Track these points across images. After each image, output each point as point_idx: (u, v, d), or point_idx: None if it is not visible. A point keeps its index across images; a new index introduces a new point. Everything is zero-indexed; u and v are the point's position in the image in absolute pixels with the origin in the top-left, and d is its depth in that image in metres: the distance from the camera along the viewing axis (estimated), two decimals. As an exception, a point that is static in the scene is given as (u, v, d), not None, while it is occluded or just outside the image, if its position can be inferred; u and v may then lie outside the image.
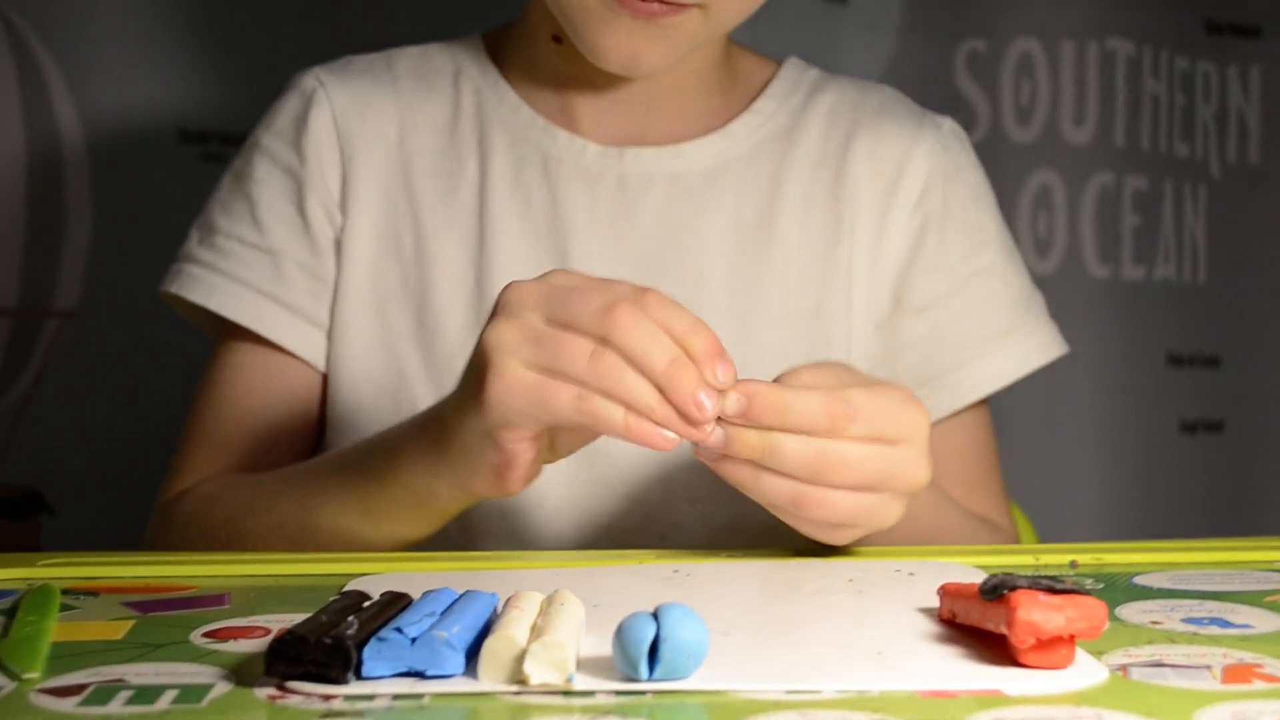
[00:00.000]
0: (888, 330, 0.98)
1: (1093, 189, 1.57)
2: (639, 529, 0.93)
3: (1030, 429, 1.54)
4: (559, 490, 0.92)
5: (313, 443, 0.99)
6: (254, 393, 0.97)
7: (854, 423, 0.70)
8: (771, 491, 0.71)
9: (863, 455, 0.70)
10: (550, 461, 0.76)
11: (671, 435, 0.69)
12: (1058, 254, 1.57)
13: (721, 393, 0.69)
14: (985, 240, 1.00)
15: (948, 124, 1.01)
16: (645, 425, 0.69)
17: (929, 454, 0.73)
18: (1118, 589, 0.70)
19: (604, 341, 0.68)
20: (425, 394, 0.94)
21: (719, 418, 0.70)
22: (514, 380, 0.69)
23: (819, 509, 0.71)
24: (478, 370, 0.71)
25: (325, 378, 0.97)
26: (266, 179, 0.98)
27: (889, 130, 0.99)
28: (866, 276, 0.97)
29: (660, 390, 0.68)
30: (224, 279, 0.97)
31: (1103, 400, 1.58)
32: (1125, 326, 1.58)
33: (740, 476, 0.71)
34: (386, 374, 0.95)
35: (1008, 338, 0.99)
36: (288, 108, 1.00)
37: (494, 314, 0.71)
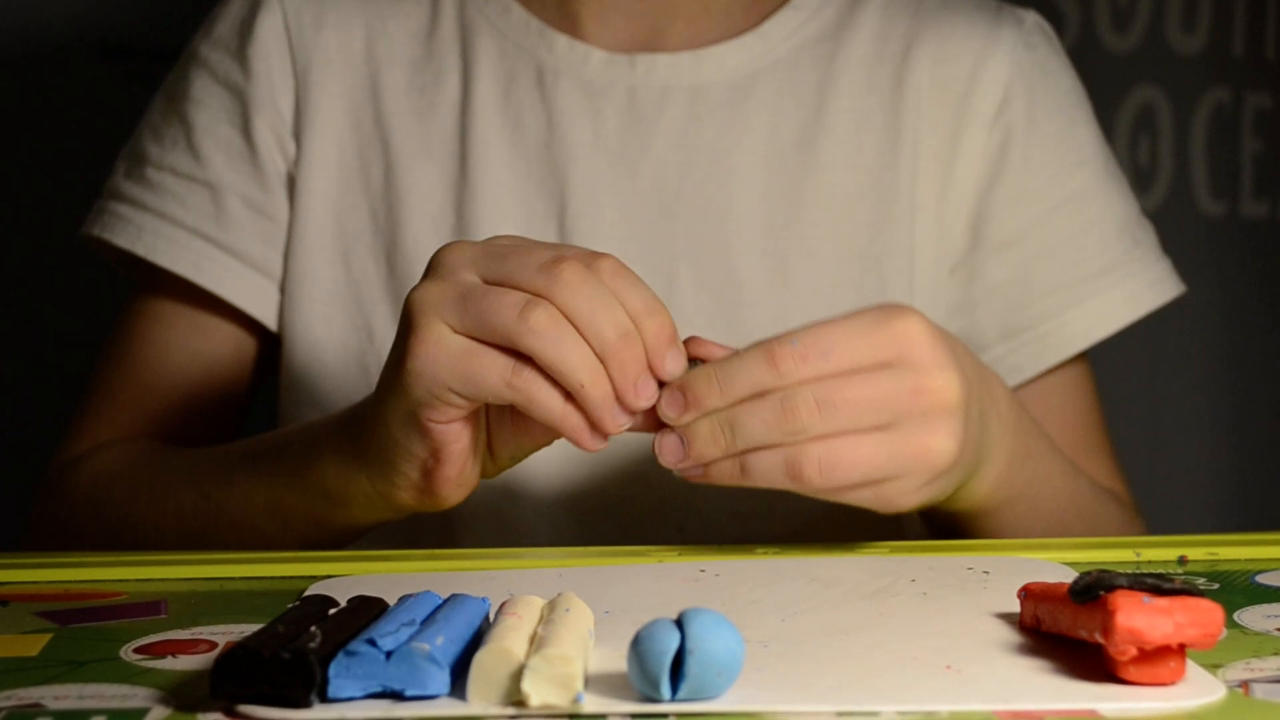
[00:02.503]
0: (965, 273, 0.98)
1: (1205, 109, 1.57)
2: (652, 517, 0.93)
3: (1127, 397, 1.54)
4: (554, 471, 0.92)
5: (239, 415, 1.00)
6: (173, 350, 0.98)
7: (808, 360, 0.70)
8: (766, 471, 0.71)
9: (841, 387, 0.70)
10: (490, 475, 0.77)
11: (601, 441, 0.70)
12: (1162, 187, 1.57)
13: (666, 385, 0.71)
14: (1081, 159, 1.00)
15: (1031, 18, 1.01)
16: (577, 419, 0.70)
17: (942, 359, 0.72)
18: (1236, 590, 0.70)
19: (544, 298, 0.69)
20: (397, 354, 0.94)
21: (668, 425, 0.71)
22: (438, 346, 0.70)
23: (829, 469, 0.71)
24: (401, 338, 0.72)
25: (276, 337, 0.98)
26: (204, 98, 0.98)
27: (958, 28, 0.99)
28: (934, 208, 0.97)
29: (603, 364, 0.69)
30: (154, 218, 0.97)
31: (1216, 362, 1.58)
32: (1244, 274, 1.58)
33: (730, 473, 0.72)
34: (352, 332, 0.96)
35: (1111, 275, 0.98)
36: (230, 12, 1.00)
37: (425, 275, 0.73)
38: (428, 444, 0.73)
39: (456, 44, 0.98)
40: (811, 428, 0.70)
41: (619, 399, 0.70)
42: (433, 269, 0.72)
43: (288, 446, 0.84)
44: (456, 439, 0.73)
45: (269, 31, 0.98)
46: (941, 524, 0.88)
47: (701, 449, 0.71)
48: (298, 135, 0.97)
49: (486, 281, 0.71)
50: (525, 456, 0.76)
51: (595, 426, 0.70)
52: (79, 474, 0.95)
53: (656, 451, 0.72)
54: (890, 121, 0.97)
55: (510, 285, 0.70)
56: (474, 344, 0.70)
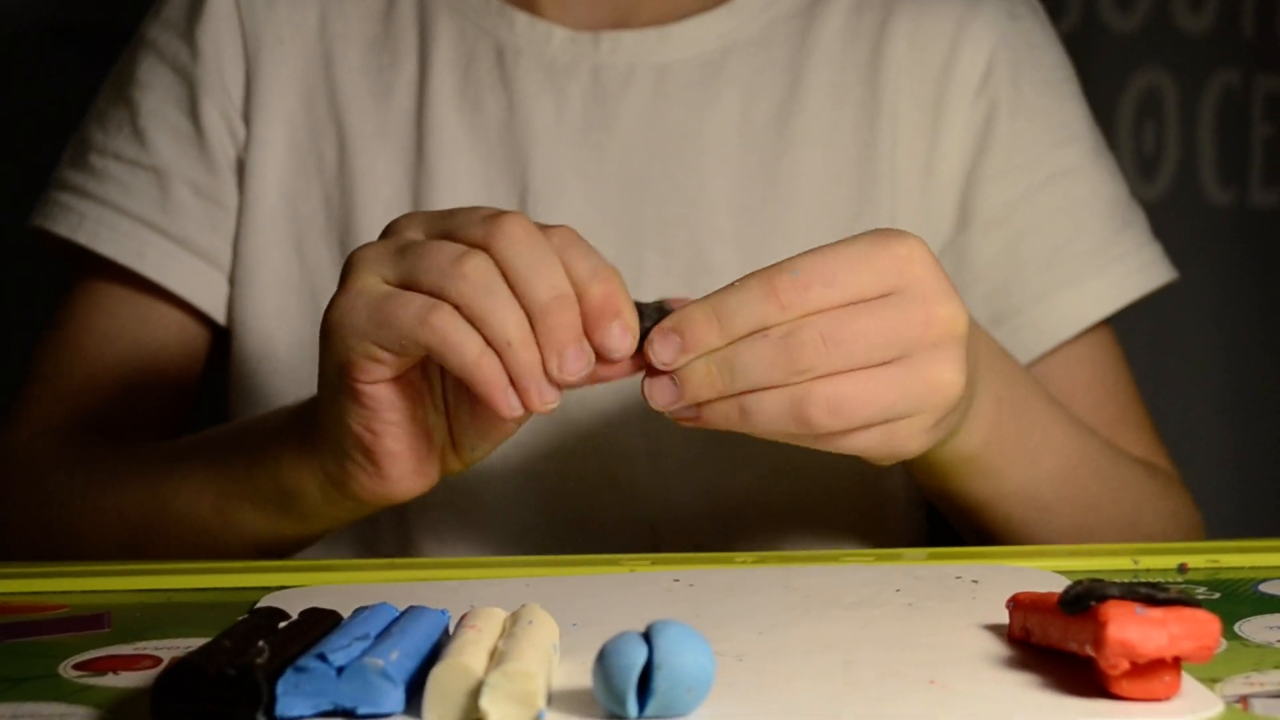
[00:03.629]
0: (954, 254, 0.98)
1: (1213, 92, 1.57)
2: (624, 516, 0.93)
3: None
4: (515, 466, 0.92)
5: (184, 410, 1.00)
6: (115, 340, 0.97)
7: (810, 290, 0.68)
8: (769, 414, 0.69)
9: (849, 320, 0.68)
10: (454, 470, 0.75)
11: (516, 405, 0.68)
12: (1167, 174, 1.57)
13: (615, 364, 0.69)
14: (1069, 135, 1.00)
15: None
16: (494, 371, 0.67)
17: (945, 285, 0.70)
18: (1239, 599, 0.70)
19: (481, 249, 0.68)
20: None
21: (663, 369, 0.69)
22: (361, 293, 0.69)
23: (838, 409, 0.69)
24: (335, 294, 0.71)
25: (228, 331, 0.98)
26: (151, 80, 0.98)
27: None
28: (917, 187, 0.97)
29: (531, 325, 0.67)
30: (96, 205, 0.97)
31: (1221, 358, 1.58)
32: (1252, 265, 1.58)
33: (729, 416, 0.69)
34: (305, 323, 0.96)
35: (1103, 256, 0.98)
36: (178, -9, 1.00)
37: (379, 238, 0.72)
38: (360, 412, 0.71)
39: (414, 23, 0.98)
40: (818, 366, 0.68)
41: (545, 368, 0.67)
42: (384, 234, 0.72)
43: (238, 441, 0.83)
44: (391, 407, 0.71)
45: (218, 11, 0.98)
46: (948, 499, 0.86)
47: (697, 390, 0.68)
48: (248, 118, 0.97)
49: (430, 238, 0.70)
50: (491, 448, 0.75)
51: (519, 393, 0.68)
52: (12, 467, 0.95)
53: (646, 394, 0.69)
54: (868, 97, 0.97)
55: (452, 239, 0.69)
56: (394, 290, 0.69)
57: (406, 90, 0.97)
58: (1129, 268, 0.99)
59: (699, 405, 0.69)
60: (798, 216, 0.96)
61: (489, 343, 0.67)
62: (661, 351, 0.68)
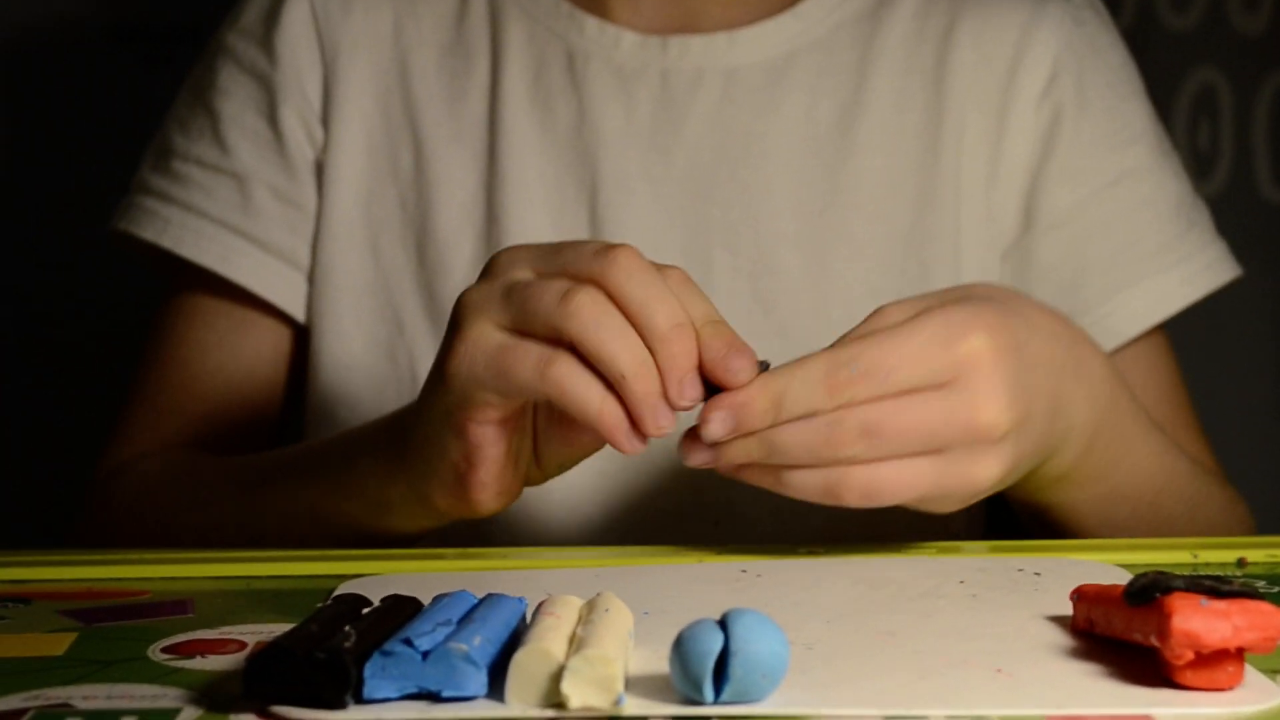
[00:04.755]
0: (1018, 256, 0.99)
1: (1268, 91, 1.57)
2: (687, 513, 0.94)
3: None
4: (586, 464, 0.93)
5: (280, 409, 1.01)
6: (211, 349, 0.99)
7: (864, 383, 0.70)
8: (803, 488, 0.72)
9: (890, 413, 0.70)
10: (535, 482, 0.77)
11: (638, 445, 0.69)
12: (1223, 172, 1.57)
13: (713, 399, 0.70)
14: (1133, 136, 1.01)
15: None
16: (616, 416, 0.68)
17: (999, 385, 0.71)
18: (1298, 593, 0.71)
19: (592, 283, 0.69)
20: (428, 348, 0.95)
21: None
22: (475, 344, 0.70)
23: (869, 495, 0.71)
24: (447, 336, 0.73)
25: (306, 330, 0.99)
26: (231, 87, 1.00)
27: (1003, 4, 1.00)
28: (981, 190, 0.98)
29: (653, 354, 0.68)
30: (180, 210, 0.99)
31: (1275, 353, 1.58)
32: (1309, 264, 1.58)
33: (763, 480, 0.72)
34: (381, 324, 0.97)
35: (1168, 256, 0.99)
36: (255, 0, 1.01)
37: (481, 275, 0.73)
38: (462, 446, 0.73)
39: (486, 27, 1.00)
40: (856, 455, 0.70)
41: (665, 394, 0.69)
42: (486, 271, 0.73)
43: (330, 453, 0.85)
44: (493, 444, 0.73)
45: (296, 18, 1.00)
46: (1021, 499, 0.87)
47: (732, 458, 0.71)
48: (326, 122, 0.99)
49: (540, 276, 0.71)
50: (573, 465, 0.77)
51: (635, 425, 0.69)
52: (122, 483, 0.97)
53: (681, 451, 0.72)
54: (932, 102, 0.98)
55: (564, 276, 0.70)
56: (512, 338, 0.70)
57: (479, 94, 0.99)
58: (1195, 267, 0.99)
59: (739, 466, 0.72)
60: (861, 219, 0.97)
61: (606, 377, 0.68)
62: (716, 430, 0.70)
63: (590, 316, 0.68)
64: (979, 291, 0.75)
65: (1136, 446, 0.84)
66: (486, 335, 0.70)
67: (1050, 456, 0.78)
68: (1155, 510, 0.87)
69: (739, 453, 0.71)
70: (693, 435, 0.71)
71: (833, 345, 0.72)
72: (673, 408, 0.69)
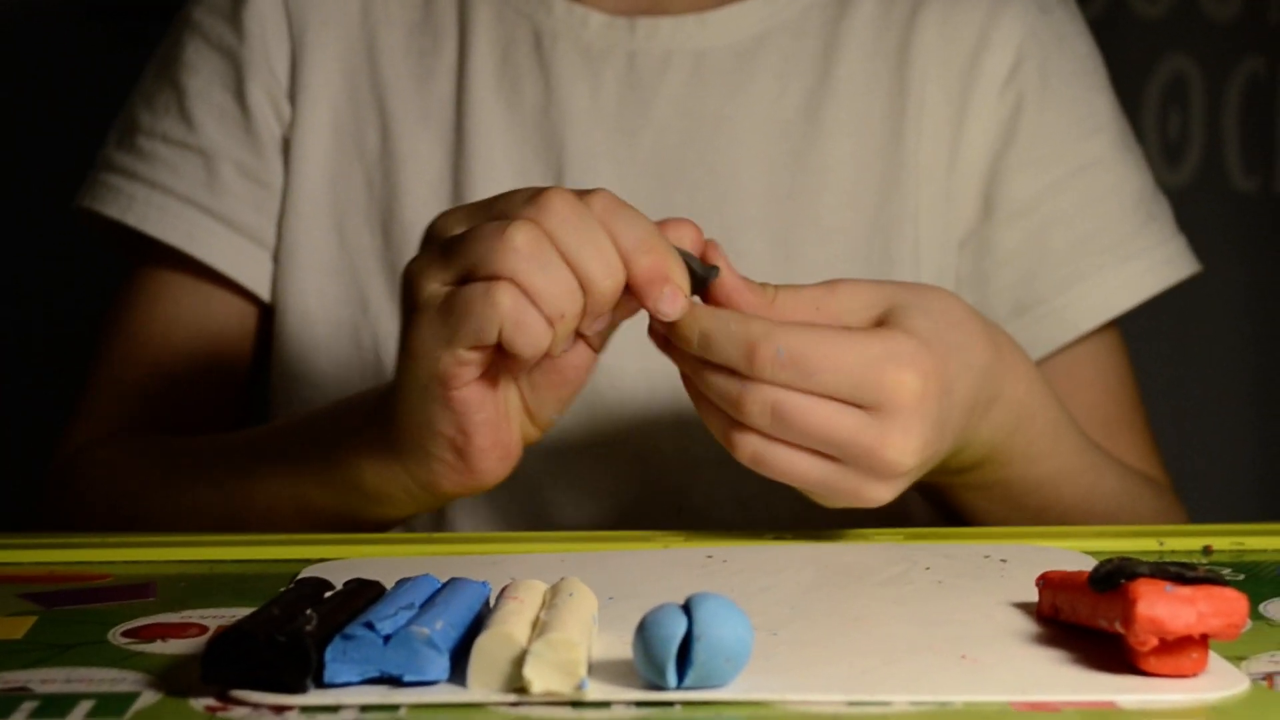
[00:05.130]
0: (976, 244, 0.99)
1: (1239, 79, 1.57)
2: (651, 498, 0.94)
3: (1151, 379, 1.53)
4: (545, 447, 0.93)
5: (243, 387, 1.01)
6: (175, 327, 0.99)
7: (784, 371, 0.70)
8: (708, 418, 0.73)
9: (800, 407, 0.71)
10: (533, 438, 0.77)
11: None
12: (1193, 161, 1.57)
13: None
14: (1096, 126, 1.01)
15: None
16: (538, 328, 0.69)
17: (915, 428, 0.72)
18: (1263, 580, 0.71)
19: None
20: (393, 329, 0.95)
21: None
22: (427, 304, 0.70)
23: (759, 464, 0.73)
24: (402, 311, 0.73)
25: (270, 309, 0.99)
26: (197, 62, 1.00)
27: None
28: (941, 177, 0.98)
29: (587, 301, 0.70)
30: (145, 187, 0.98)
31: (1245, 343, 1.59)
32: (1276, 251, 1.58)
33: (690, 388, 0.74)
34: (346, 304, 0.97)
35: (1127, 248, 0.99)
36: (223, -26, 1.01)
37: (421, 245, 0.73)
38: (451, 417, 0.73)
39: (454, 7, 0.99)
40: (759, 426, 0.72)
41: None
42: (425, 238, 0.73)
43: (313, 442, 0.84)
44: (480, 406, 0.73)
45: None
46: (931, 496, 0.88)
47: (677, 331, 0.72)
48: (293, 99, 0.99)
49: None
50: (564, 409, 0.76)
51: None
52: (84, 465, 0.96)
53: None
54: (896, 86, 0.98)
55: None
56: (455, 288, 0.70)
57: (447, 74, 0.98)
58: (1153, 261, 0.99)
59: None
60: (826, 204, 0.97)
61: (542, 310, 0.69)
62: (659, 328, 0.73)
63: (530, 253, 0.68)
64: (935, 306, 0.75)
65: (1046, 460, 0.85)
66: (434, 295, 0.70)
67: (954, 459, 0.79)
68: (1067, 518, 0.88)
69: (685, 330, 0.72)
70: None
71: (789, 290, 0.73)
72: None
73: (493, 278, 0.68)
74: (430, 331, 0.70)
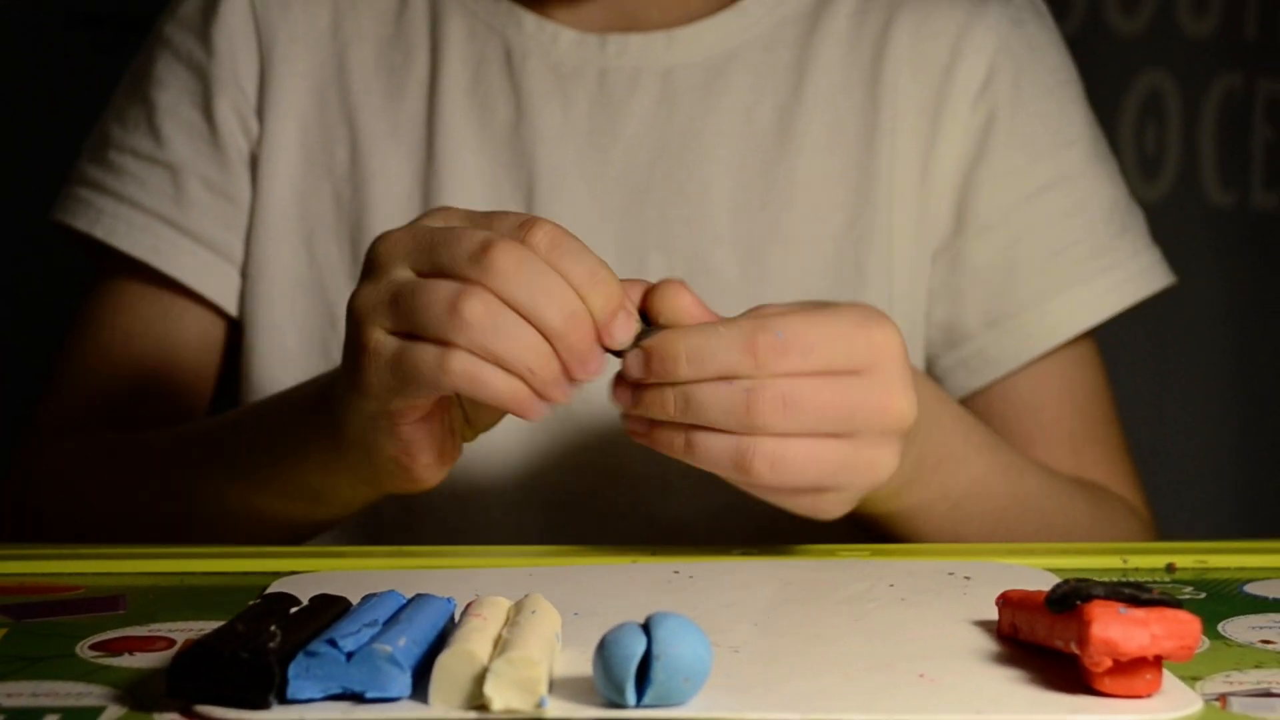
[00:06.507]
0: (949, 257, 0.99)
1: (1216, 95, 1.58)
2: (620, 511, 0.95)
3: (1128, 395, 1.54)
4: (516, 461, 0.94)
5: (206, 402, 1.01)
6: (136, 336, 0.99)
7: (787, 355, 0.70)
8: (713, 454, 0.71)
9: (809, 390, 0.71)
10: (470, 439, 0.78)
11: (544, 411, 0.70)
12: (1169, 176, 1.58)
13: (620, 354, 0.71)
14: (1069, 139, 1.01)
15: None
16: (523, 392, 0.69)
17: (908, 379, 0.73)
18: (1224, 599, 0.72)
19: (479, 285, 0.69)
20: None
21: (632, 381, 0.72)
22: (376, 351, 0.71)
23: (780, 468, 0.71)
24: (349, 345, 0.73)
25: (236, 323, 0.99)
26: (167, 78, 1.00)
27: (941, 2, 1.00)
28: (914, 188, 0.98)
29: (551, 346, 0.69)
30: (113, 201, 0.99)
31: (1222, 358, 1.59)
32: (1253, 267, 1.59)
33: (674, 444, 0.72)
34: (314, 319, 0.98)
35: (1099, 262, 0.99)
36: (193, -10, 1.01)
37: (362, 273, 0.73)
38: (396, 443, 0.74)
39: (426, 23, 1.00)
40: (772, 425, 0.71)
41: (567, 375, 0.70)
42: (367, 266, 0.73)
43: (255, 440, 0.85)
44: (426, 434, 0.74)
45: (234, 9, 0.99)
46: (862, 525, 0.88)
47: (648, 407, 0.71)
48: (261, 115, 0.99)
49: (420, 274, 0.71)
50: (500, 418, 0.77)
51: (543, 398, 0.70)
52: (43, 466, 0.97)
53: (611, 392, 0.73)
54: (868, 100, 0.98)
55: (443, 276, 0.70)
56: (406, 343, 0.70)
57: (417, 90, 0.99)
58: (1126, 273, 0.99)
59: (651, 424, 0.72)
60: (797, 219, 0.97)
61: (510, 371, 0.69)
62: (633, 368, 0.71)
63: (483, 325, 0.68)
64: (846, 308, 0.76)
65: (968, 470, 0.86)
66: (383, 343, 0.71)
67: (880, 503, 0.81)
68: (1007, 532, 0.88)
69: (656, 400, 0.71)
70: (622, 378, 0.72)
71: (737, 319, 0.73)
72: (574, 382, 0.71)
73: (443, 343, 0.69)
74: (380, 379, 0.71)
